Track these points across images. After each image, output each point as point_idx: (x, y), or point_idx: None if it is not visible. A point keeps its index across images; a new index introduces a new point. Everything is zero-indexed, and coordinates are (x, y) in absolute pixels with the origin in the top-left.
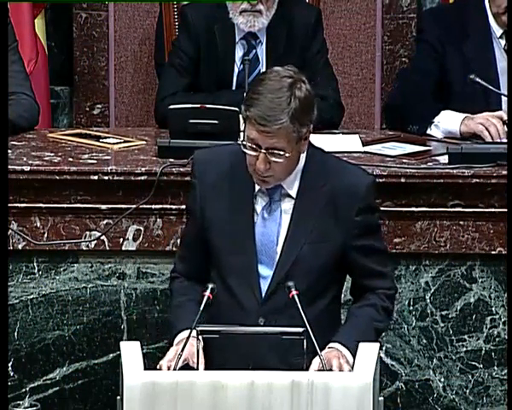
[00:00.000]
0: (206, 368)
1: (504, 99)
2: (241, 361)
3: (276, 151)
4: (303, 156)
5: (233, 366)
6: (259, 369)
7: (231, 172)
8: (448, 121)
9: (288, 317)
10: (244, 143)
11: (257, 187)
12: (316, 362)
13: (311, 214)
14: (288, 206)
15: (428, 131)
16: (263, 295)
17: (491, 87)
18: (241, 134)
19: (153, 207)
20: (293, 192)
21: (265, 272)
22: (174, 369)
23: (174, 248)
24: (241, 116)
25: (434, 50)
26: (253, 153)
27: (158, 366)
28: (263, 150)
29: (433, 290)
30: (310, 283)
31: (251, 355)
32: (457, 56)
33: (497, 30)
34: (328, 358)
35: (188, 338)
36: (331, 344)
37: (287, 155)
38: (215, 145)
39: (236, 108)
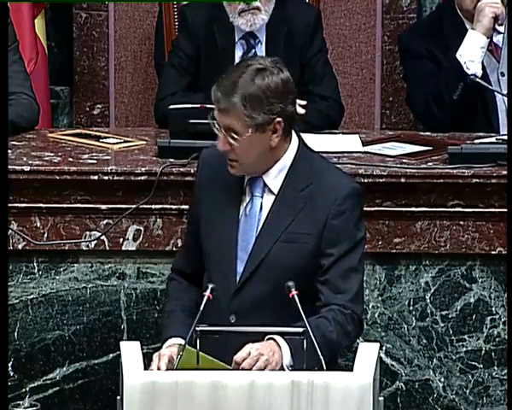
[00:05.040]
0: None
1: (499, 97)
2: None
3: (231, 133)
4: (291, 154)
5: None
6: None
7: (227, 171)
8: (468, 51)
9: (259, 316)
10: (214, 123)
11: (245, 183)
12: (245, 350)
13: (288, 213)
14: (268, 202)
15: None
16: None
17: (490, 87)
18: None
19: (153, 207)
20: (275, 189)
21: (242, 268)
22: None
23: (174, 249)
24: None
25: (426, 58)
26: (217, 133)
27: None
28: (222, 130)
29: (433, 290)
30: (278, 283)
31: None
32: (445, 61)
33: None
34: (259, 351)
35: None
36: (272, 335)
37: (240, 138)
38: None
39: None
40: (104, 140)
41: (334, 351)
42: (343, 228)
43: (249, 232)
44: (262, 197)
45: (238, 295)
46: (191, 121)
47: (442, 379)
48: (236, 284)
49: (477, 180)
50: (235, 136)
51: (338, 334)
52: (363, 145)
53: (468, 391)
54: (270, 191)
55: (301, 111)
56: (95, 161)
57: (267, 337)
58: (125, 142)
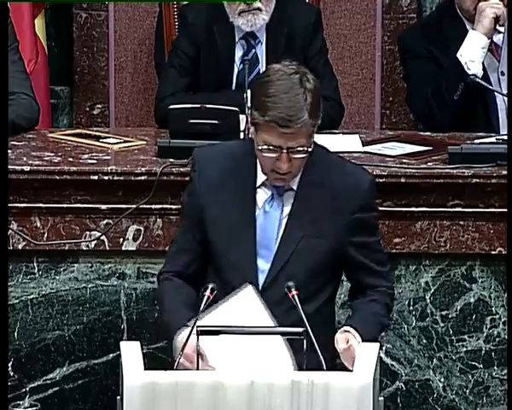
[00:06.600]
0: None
1: (499, 97)
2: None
3: (298, 148)
4: None
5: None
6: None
7: (232, 168)
8: (469, 51)
9: (283, 311)
10: (260, 147)
11: (259, 181)
12: (342, 339)
13: (309, 209)
14: (289, 199)
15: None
16: (259, 289)
17: (491, 87)
18: (242, 134)
19: (153, 207)
20: (295, 185)
21: (264, 265)
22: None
23: None
24: (241, 116)
25: (426, 58)
26: (274, 154)
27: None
28: (284, 151)
29: (433, 290)
30: (305, 279)
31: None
32: (445, 62)
33: None
34: (345, 337)
35: (187, 340)
36: (345, 328)
37: (309, 149)
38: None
39: (236, 108)
40: (104, 140)
41: (383, 331)
42: (367, 218)
43: (270, 230)
44: (283, 195)
45: (264, 293)
46: (191, 121)
47: (442, 379)
48: (262, 283)
49: (477, 180)
50: (303, 149)
51: (388, 316)
52: (363, 145)
53: (468, 391)
54: (290, 188)
55: None
56: (95, 161)
57: (343, 330)
58: (125, 142)
